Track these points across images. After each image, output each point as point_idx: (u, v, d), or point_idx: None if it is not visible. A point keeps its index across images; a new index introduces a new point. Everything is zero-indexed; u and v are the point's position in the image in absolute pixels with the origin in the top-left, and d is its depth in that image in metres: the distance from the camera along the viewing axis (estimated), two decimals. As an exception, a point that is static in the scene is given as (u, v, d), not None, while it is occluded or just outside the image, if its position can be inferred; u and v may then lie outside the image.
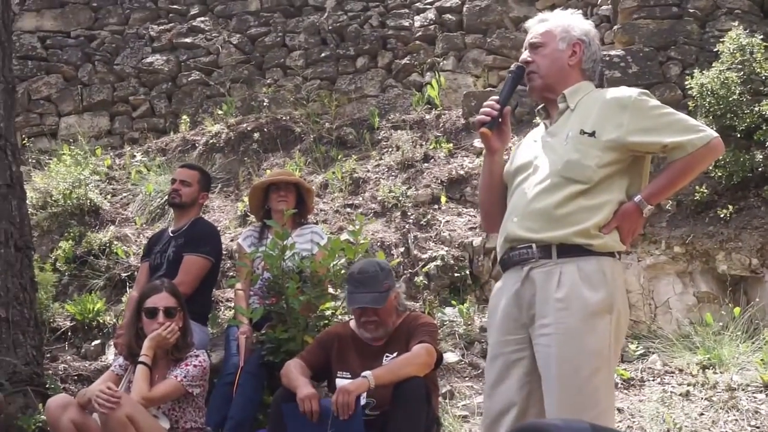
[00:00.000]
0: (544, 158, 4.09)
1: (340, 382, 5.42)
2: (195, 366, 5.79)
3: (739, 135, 8.12)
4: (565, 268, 3.90)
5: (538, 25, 4.34)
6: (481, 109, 4.23)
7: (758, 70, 8.39)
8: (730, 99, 8.12)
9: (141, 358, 5.72)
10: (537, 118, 4.55)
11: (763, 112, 8.01)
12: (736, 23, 8.88)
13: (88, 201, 9.82)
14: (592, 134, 3.98)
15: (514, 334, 4.03)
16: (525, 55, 4.30)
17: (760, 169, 8.07)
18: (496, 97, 4.24)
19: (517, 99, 9.62)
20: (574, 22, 4.32)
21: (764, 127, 8.01)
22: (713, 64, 8.50)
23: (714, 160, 4.19)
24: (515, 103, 9.67)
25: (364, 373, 5.19)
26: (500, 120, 4.22)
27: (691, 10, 9.57)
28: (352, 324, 5.77)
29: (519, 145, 4.44)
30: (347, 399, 5.04)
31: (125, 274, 8.73)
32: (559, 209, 3.93)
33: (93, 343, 8.01)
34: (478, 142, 9.81)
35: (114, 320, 8.15)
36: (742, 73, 8.29)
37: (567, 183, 3.95)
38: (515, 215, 4.07)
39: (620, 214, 3.97)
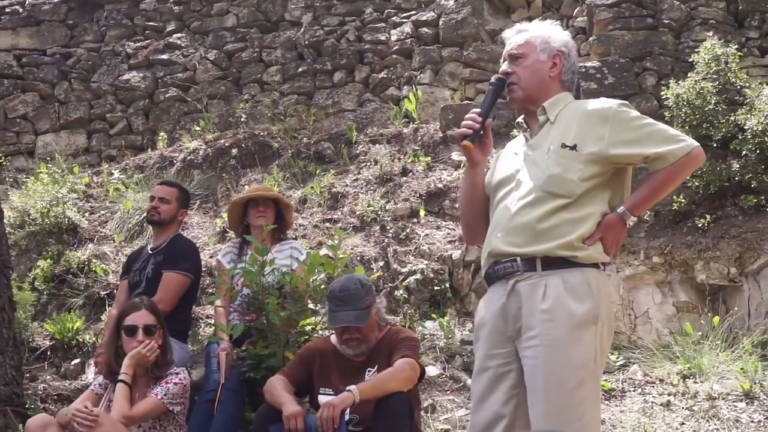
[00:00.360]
0: (526, 172, 4.10)
1: (322, 399, 5.41)
2: (175, 383, 5.78)
3: (715, 145, 8.16)
4: (550, 280, 3.92)
5: (516, 36, 4.34)
6: (463, 122, 4.24)
7: (733, 79, 8.44)
8: (706, 109, 8.17)
9: (121, 377, 5.70)
10: (516, 130, 4.56)
11: (739, 122, 8.05)
12: (710, 33, 8.95)
13: (66, 219, 9.76)
14: (574, 147, 4.00)
15: (501, 347, 4.05)
16: (504, 66, 4.31)
17: (736, 178, 8.11)
18: (478, 110, 4.26)
19: (494, 112, 9.61)
20: (553, 33, 4.33)
21: (740, 137, 8.06)
22: (689, 75, 8.55)
23: (695, 168, 4.22)
24: (492, 116, 9.68)
25: (349, 388, 5.19)
26: (482, 132, 4.22)
27: (666, 21, 9.63)
28: (333, 339, 5.77)
29: (498, 157, 4.45)
30: (332, 413, 5.03)
31: (104, 293, 8.69)
32: (541, 223, 3.95)
33: (73, 362, 7.96)
34: (456, 155, 9.83)
35: (93, 339, 8.10)
36: (717, 83, 8.34)
37: (550, 197, 3.97)
38: (499, 230, 4.08)
39: (604, 225, 3.99)
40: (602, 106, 4.11)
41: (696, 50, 8.78)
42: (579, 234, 3.93)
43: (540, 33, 4.31)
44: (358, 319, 5.48)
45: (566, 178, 3.96)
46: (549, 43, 4.27)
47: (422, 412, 6.39)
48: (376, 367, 5.49)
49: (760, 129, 7.86)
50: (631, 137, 3.99)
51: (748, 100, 8.22)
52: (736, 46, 8.76)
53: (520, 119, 4.39)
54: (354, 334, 5.54)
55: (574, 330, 3.85)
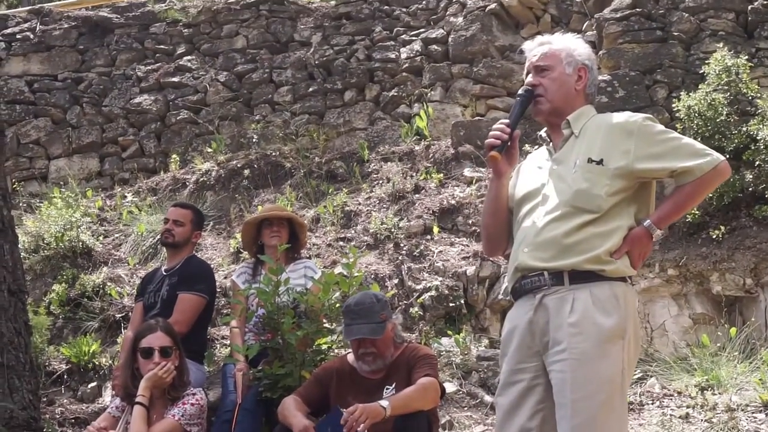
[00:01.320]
0: (552, 187, 4.09)
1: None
2: (192, 405, 5.77)
3: (728, 156, 8.12)
4: (577, 294, 3.91)
5: (540, 48, 4.32)
6: (491, 133, 4.21)
7: (744, 90, 8.44)
8: (718, 120, 8.16)
9: (138, 399, 5.69)
10: (537, 143, 4.55)
11: (751, 132, 8.05)
12: (720, 45, 8.93)
13: (80, 243, 9.78)
14: (600, 162, 4.00)
15: (529, 362, 4.04)
16: (530, 78, 4.28)
17: (750, 189, 8.09)
18: (507, 120, 4.22)
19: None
20: (578, 46, 4.33)
21: (752, 147, 8.05)
22: (699, 86, 8.54)
23: (721, 182, 4.20)
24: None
25: (382, 403, 5.15)
26: (509, 144, 4.21)
27: (676, 33, 9.62)
28: (350, 358, 5.75)
29: (520, 170, 4.41)
30: (362, 418, 4.99)
31: (119, 315, 8.69)
32: (569, 238, 3.94)
33: (89, 386, 7.96)
34: (468, 172, 9.84)
35: (110, 362, 8.10)
36: (728, 94, 8.34)
37: (577, 212, 3.96)
38: (525, 245, 4.06)
39: (630, 239, 3.99)
40: (627, 120, 4.10)
41: (706, 62, 8.78)
42: (606, 248, 3.93)
43: (564, 45, 4.31)
44: (373, 332, 5.48)
45: (593, 194, 3.96)
46: (574, 57, 4.26)
47: (440, 429, 6.38)
48: (394, 385, 5.48)
49: (772, 139, 7.85)
50: (657, 151, 3.98)
51: (759, 111, 8.21)
52: (747, 57, 8.75)
53: (542, 132, 4.38)
54: (369, 348, 5.53)
55: (602, 344, 3.84)
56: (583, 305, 3.88)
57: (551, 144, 4.29)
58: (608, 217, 3.97)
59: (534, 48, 4.34)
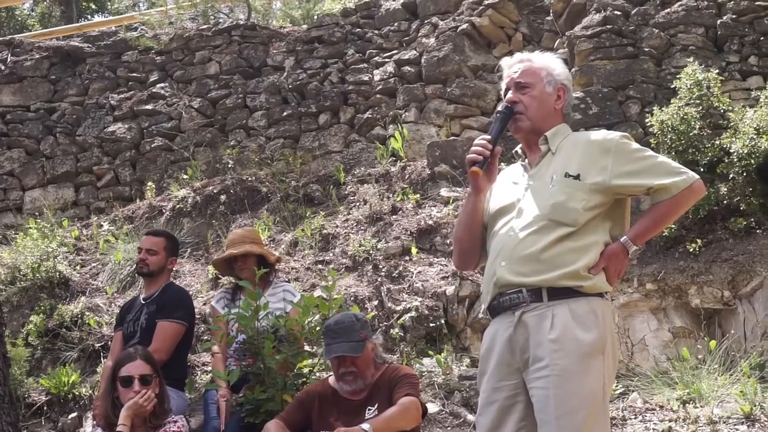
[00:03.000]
0: (528, 201, 4.13)
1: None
2: (174, 432, 5.74)
3: (702, 169, 8.19)
4: (557, 310, 3.94)
5: (520, 64, 4.35)
6: (473, 149, 4.24)
7: (716, 104, 8.51)
8: (691, 134, 8.22)
9: (119, 428, 5.65)
10: (511, 161, 4.58)
11: (724, 146, 8.10)
12: (691, 59, 9.01)
13: (57, 273, 9.74)
14: (577, 177, 4.04)
15: (508, 379, 4.06)
16: (510, 94, 4.31)
17: (725, 202, 8.14)
18: (488, 137, 4.25)
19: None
20: (558, 65, 4.39)
21: (726, 160, 8.10)
22: (672, 101, 8.61)
23: (697, 201, 4.25)
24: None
25: (363, 426, 5.17)
26: (490, 159, 4.24)
27: (647, 49, 9.69)
28: (332, 380, 5.75)
29: (494, 186, 4.42)
30: None
31: (99, 345, 8.64)
32: (546, 252, 3.97)
33: (70, 416, 7.90)
34: (445, 192, 9.85)
35: (90, 392, 8.05)
36: (700, 107, 8.40)
37: (555, 226, 4.00)
38: (503, 259, 4.08)
39: (607, 255, 4.03)
40: (605, 137, 4.15)
41: (677, 76, 8.85)
42: (584, 263, 3.96)
43: (545, 64, 4.35)
44: (352, 350, 5.48)
45: (570, 207, 3.99)
46: (554, 76, 4.31)
47: (423, 450, 6.37)
48: (376, 406, 5.47)
49: (745, 152, 7.90)
50: (634, 169, 4.03)
51: (732, 124, 8.27)
52: (717, 71, 8.82)
53: (518, 148, 4.43)
54: (350, 367, 5.53)
55: (583, 359, 3.86)
56: (562, 321, 3.90)
57: (526, 160, 4.33)
58: (584, 231, 4.00)
59: (514, 64, 4.38)
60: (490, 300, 4.18)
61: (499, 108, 4.37)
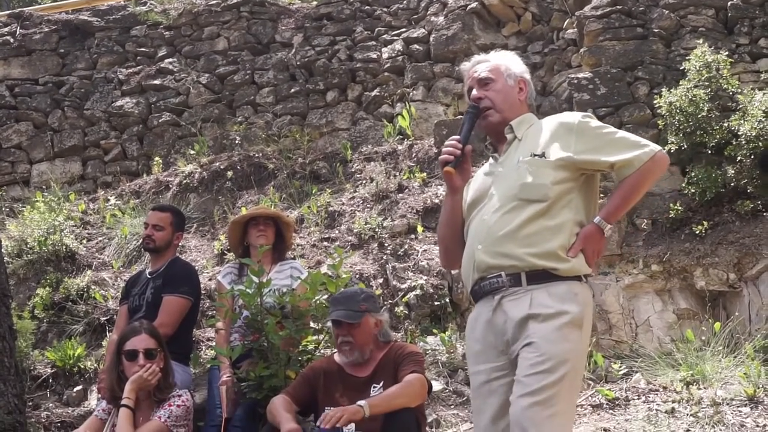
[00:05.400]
0: (498, 186, 4.25)
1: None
2: (178, 406, 5.76)
3: (710, 151, 8.20)
4: (535, 293, 4.04)
5: (479, 65, 4.52)
6: (444, 149, 4.39)
7: (725, 86, 8.48)
8: (699, 116, 8.20)
9: (123, 401, 5.68)
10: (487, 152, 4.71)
11: (733, 128, 8.09)
12: (700, 41, 8.97)
13: (64, 247, 9.74)
14: (543, 155, 4.16)
15: (495, 361, 4.16)
16: (475, 92, 4.45)
17: (732, 184, 8.13)
18: (458, 137, 4.39)
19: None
20: (512, 60, 4.56)
21: (734, 143, 8.09)
22: (680, 83, 8.58)
23: (662, 172, 4.29)
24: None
25: (360, 402, 5.20)
26: (462, 158, 4.36)
27: (656, 30, 9.64)
28: (337, 357, 5.78)
29: (471, 181, 4.55)
30: (337, 415, 5.06)
31: (104, 318, 8.66)
32: (521, 230, 4.07)
33: (75, 389, 7.92)
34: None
35: (95, 365, 8.07)
36: (709, 89, 8.38)
37: (526, 204, 4.10)
38: (478, 242, 4.19)
39: (582, 237, 4.12)
40: (567, 120, 4.29)
41: (687, 58, 8.83)
42: (559, 243, 4.06)
43: (502, 60, 4.53)
44: (348, 317, 5.57)
45: (538, 183, 4.10)
46: (511, 70, 4.48)
47: (427, 428, 6.38)
48: (381, 383, 5.51)
49: (753, 134, 7.89)
50: (595, 145, 4.14)
51: (740, 106, 8.25)
52: (727, 53, 8.80)
53: (487, 143, 4.59)
54: (346, 336, 5.61)
55: (560, 328, 3.96)
56: (541, 299, 4.01)
57: (497, 152, 4.46)
58: (556, 209, 4.10)
59: (473, 66, 4.55)
60: (472, 285, 4.28)
61: (467, 108, 4.50)
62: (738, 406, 6.64)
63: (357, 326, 5.59)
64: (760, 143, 7.90)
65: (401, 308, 8.28)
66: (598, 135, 4.17)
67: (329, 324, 5.90)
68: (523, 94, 4.46)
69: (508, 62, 4.51)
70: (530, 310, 3.98)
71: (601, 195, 4.68)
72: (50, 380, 8.10)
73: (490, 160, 4.49)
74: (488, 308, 4.16)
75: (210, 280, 8.77)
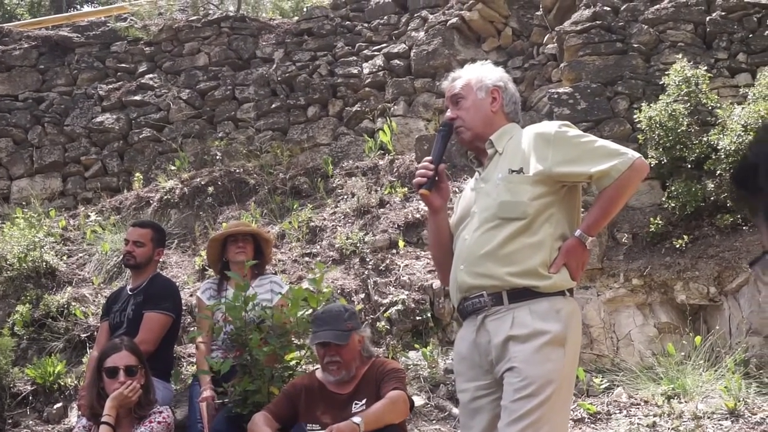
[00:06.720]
0: (479, 204, 4.24)
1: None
2: (159, 423, 5.75)
3: (689, 165, 8.22)
4: (517, 312, 4.02)
5: (453, 82, 4.51)
6: (417, 171, 4.42)
7: (704, 100, 8.51)
8: (679, 130, 8.23)
9: (104, 418, 5.65)
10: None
11: (712, 142, 8.12)
12: (680, 56, 9.01)
13: (44, 263, 9.70)
14: (520, 171, 4.13)
15: (481, 379, 4.18)
16: (448, 112, 4.47)
17: (712, 198, 8.16)
18: (430, 158, 4.41)
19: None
20: (487, 71, 4.52)
21: (713, 157, 8.12)
22: (660, 97, 8.61)
23: (641, 180, 4.28)
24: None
25: (355, 419, 5.21)
26: (437, 179, 4.38)
27: (635, 45, 9.68)
28: (318, 374, 5.77)
29: (459, 198, 4.58)
30: None
31: (85, 335, 8.63)
32: (502, 249, 4.06)
33: (55, 406, 7.88)
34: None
35: (75, 382, 8.04)
36: (688, 104, 8.41)
37: (505, 223, 4.08)
38: (461, 262, 4.20)
39: (565, 251, 4.10)
40: (544, 130, 4.23)
41: (666, 73, 8.86)
42: (540, 259, 4.04)
43: (474, 74, 4.50)
44: (336, 338, 5.55)
45: (517, 201, 4.08)
46: (484, 82, 4.44)
47: (409, 443, 6.38)
48: (364, 400, 5.50)
49: (732, 149, 7.92)
50: (573, 155, 4.10)
51: (719, 121, 8.28)
52: (706, 68, 8.84)
53: (471, 158, 4.57)
54: (334, 356, 5.58)
55: (541, 348, 3.93)
56: (522, 319, 3.99)
57: (481, 166, 4.43)
58: (536, 224, 4.08)
59: (450, 83, 4.54)
60: (457, 305, 4.31)
61: (439, 127, 4.54)
62: (719, 420, 6.66)
63: (344, 346, 5.58)
64: (740, 157, 7.93)
65: (383, 323, 8.27)
66: (575, 144, 4.12)
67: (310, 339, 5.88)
68: (497, 104, 4.40)
69: (481, 74, 4.48)
70: (511, 330, 3.97)
71: (584, 208, 4.66)
72: (30, 397, 8.06)
73: (476, 174, 4.47)
74: (472, 328, 4.17)
75: (191, 296, 8.74)
